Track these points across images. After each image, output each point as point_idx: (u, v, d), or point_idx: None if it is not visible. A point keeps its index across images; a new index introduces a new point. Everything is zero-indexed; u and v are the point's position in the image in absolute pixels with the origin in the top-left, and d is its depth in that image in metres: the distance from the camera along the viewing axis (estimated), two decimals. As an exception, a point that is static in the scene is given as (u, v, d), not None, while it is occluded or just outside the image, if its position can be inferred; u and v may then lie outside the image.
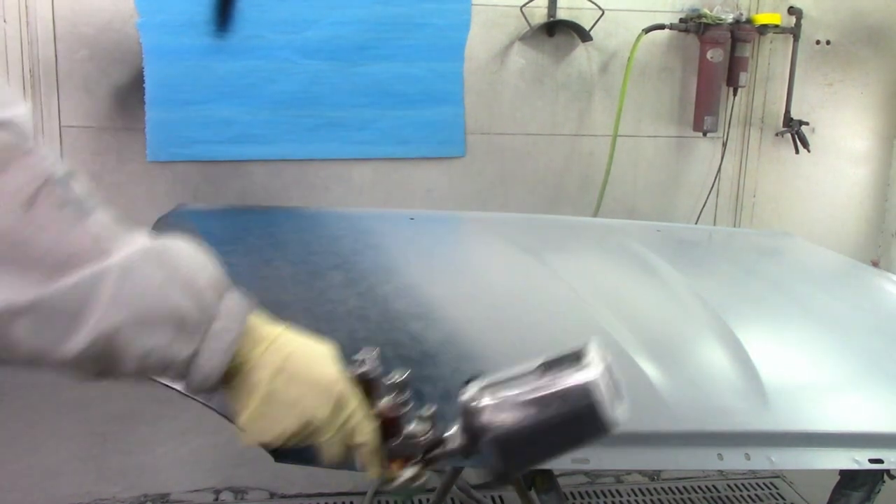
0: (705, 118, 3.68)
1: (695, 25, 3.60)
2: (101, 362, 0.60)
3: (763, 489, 2.58)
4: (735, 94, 3.80)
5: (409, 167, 3.59)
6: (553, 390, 0.71)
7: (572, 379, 0.70)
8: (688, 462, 1.09)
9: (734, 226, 3.95)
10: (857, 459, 1.10)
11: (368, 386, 0.75)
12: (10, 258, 0.55)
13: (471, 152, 3.65)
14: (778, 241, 2.44)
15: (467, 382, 0.75)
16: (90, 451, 2.64)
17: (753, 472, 2.63)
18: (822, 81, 3.86)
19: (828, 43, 3.82)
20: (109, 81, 3.28)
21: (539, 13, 3.56)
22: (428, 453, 0.78)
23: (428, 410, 0.77)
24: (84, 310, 0.57)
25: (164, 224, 1.92)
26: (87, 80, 3.27)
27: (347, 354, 1.21)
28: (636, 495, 2.51)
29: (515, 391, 0.72)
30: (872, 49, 3.85)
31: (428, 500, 2.42)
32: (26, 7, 3.18)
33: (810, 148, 3.83)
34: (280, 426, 0.69)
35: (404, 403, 0.77)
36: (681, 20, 3.63)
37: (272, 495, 2.43)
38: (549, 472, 1.38)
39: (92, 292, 0.57)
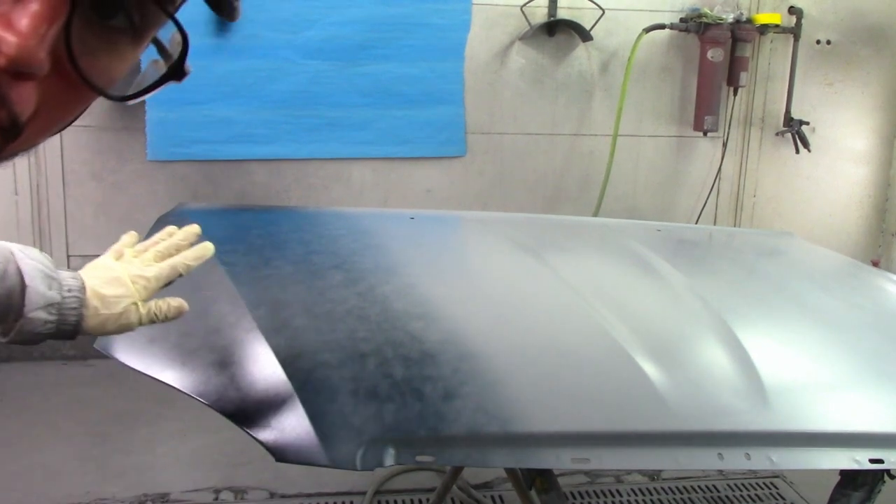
0: (705, 118, 3.68)
1: (695, 25, 3.60)
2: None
3: (763, 489, 2.58)
4: (735, 94, 3.80)
5: (409, 167, 3.59)
6: None
7: None
8: (688, 462, 1.09)
9: (734, 226, 3.95)
10: (857, 459, 1.10)
11: None
12: None
13: (471, 152, 3.65)
14: (778, 241, 2.44)
15: None
16: (90, 451, 2.64)
17: (753, 472, 2.63)
18: (823, 81, 3.86)
19: (828, 43, 3.82)
20: (109, 81, 3.28)
21: (539, 13, 3.56)
22: None
23: None
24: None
25: (164, 223, 1.92)
26: (87, 80, 3.27)
27: (348, 354, 1.21)
28: (636, 495, 2.51)
29: None
30: (873, 49, 3.85)
31: (428, 499, 2.42)
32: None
33: (811, 148, 3.83)
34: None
35: None
36: (681, 20, 3.63)
37: (272, 495, 2.43)
38: (549, 472, 1.38)
39: None
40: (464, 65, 3.54)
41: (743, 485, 2.59)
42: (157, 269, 1.02)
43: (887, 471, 1.25)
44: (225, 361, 1.15)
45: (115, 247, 1.06)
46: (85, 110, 0.53)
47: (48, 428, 2.78)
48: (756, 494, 2.54)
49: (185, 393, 1.09)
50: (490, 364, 1.20)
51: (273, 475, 2.49)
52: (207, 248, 1.07)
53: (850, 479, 1.38)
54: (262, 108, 3.36)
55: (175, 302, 1.02)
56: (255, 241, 1.78)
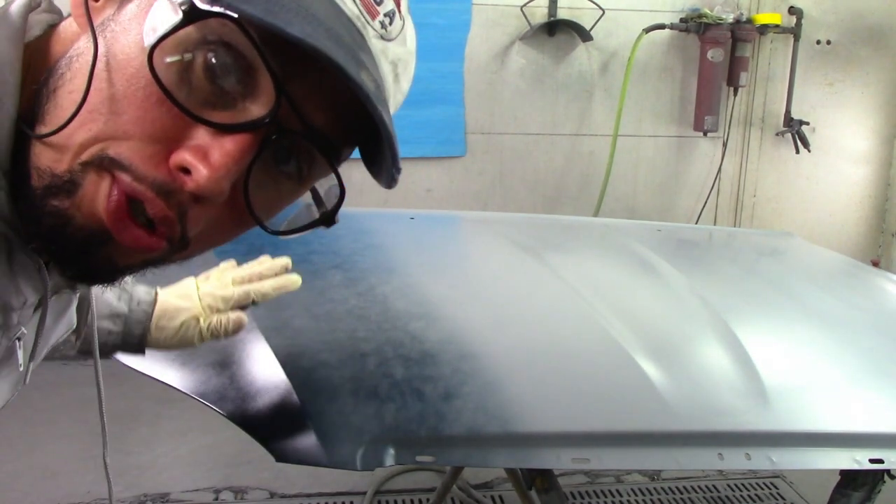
0: (706, 118, 3.68)
1: (695, 25, 3.60)
2: None
3: (763, 489, 2.58)
4: (735, 94, 3.80)
5: (409, 167, 3.58)
6: None
7: None
8: (688, 462, 1.09)
9: (734, 226, 3.95)
10: (857, 459, 1.10)
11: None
12: None
13: (471, 152, 3.65)
14: (778, 241, 2.44)
15: None
16: (90, 451, 2.64)
17: (753, 472, 2.63)
18: (823, 81, 3.87)
19: (828, 43, 3.83)
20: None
21: (539, 13, 3.56)
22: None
23: None
24: None
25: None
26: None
27: (348, 354, 1.21)
28: (636, 495, 2.51)
29: None
30: (872, 49, 3.85)
31: (428, 499, 2.42)
32: (26, 7, 3.18)
33: (811, 148, 3.83)
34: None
35: None
36: (681, 20, 3.64)
37: (272, 495, 2.43)
38: (549, 472, 1.38)
39: None
40: (464, 65, 3.55)
41: (743, 485, 2.59)
42: (228, 291, 1.02)
43: (887, 471, 1.25)
44: (225, 361, 1.15)
45: (209, 271, 1.07)
46: (239, 236, 0.59)
47: (48, 428, 2.78)
48: (756, 494, 2.54)
49: (185, 393, 1.09)
50: (490, 364, 1.20)
51: (273, 475, 2.49)
52: (291, 280, 1.07)
53: (850, 479, 1.37)
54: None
55: (234, 315, 1.00)
56: (256, 241, 1.78)
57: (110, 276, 0.56)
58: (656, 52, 3.72)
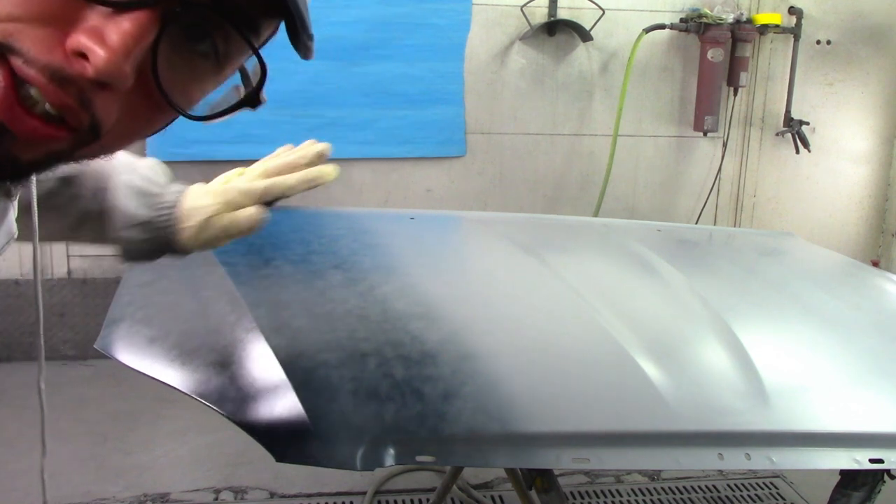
0: (706, 118, 3.68)
1: (695, 25, 3.60)
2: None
3: (763, 489, 2.58)
4: (735, 94, 3.80)
5: (409, 167, 3.59)
6: None
7: None
8: (688, 462, 1.09)
9: (734, 226, 3.95)
10: (857, 459, 1.10)
11: None
12: None
13: (471, 152, 3.65)
14: (778, 241, 2.44)
15: None
16: (90, 451, 2.64)
17: (753, 472, 2.63)
18: (823, 81, 3.86)
19: (828, 43, 3.83)
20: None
21: (539, 13, 3.56)
22: None
23: None
24: None
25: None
26: (88, 80, 3.26)
27: (348, 354, 1.21)
28: (636, 495, 2.51)
29: None
30: (873, 49, 3.85)
31: (428, 499, 2.42)
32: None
33: (811, 148, 3.83)
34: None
35: None
36: (681, 20, 3.63)
37: (272, 495, 2.43)
38: (549, 472, 1.38)
39: None
40: (464, 65, 3.55)
41: (743, 485, 2.59)
42: (249, 185, 0.94)
43: (887, 471, 1.25)
44: (225, 361, 1.15)
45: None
46: (164, 127, 0.56)
47: (48, 428, 2.78)
48: (756, 494, 2.55)
49: (185, 393, 1.09)
50: (490, 364, 1.20)
51: (273, 475, 2.49)
52: (323, 172, 0.98)
53: (850, 479, 1.38)
54: (262, 108, 3.35)
55: (247, 212, 0.91)
56: (255, 241, 1.78)
57: (15, 173, 0.51)
58: (656, 52, 3.72)
